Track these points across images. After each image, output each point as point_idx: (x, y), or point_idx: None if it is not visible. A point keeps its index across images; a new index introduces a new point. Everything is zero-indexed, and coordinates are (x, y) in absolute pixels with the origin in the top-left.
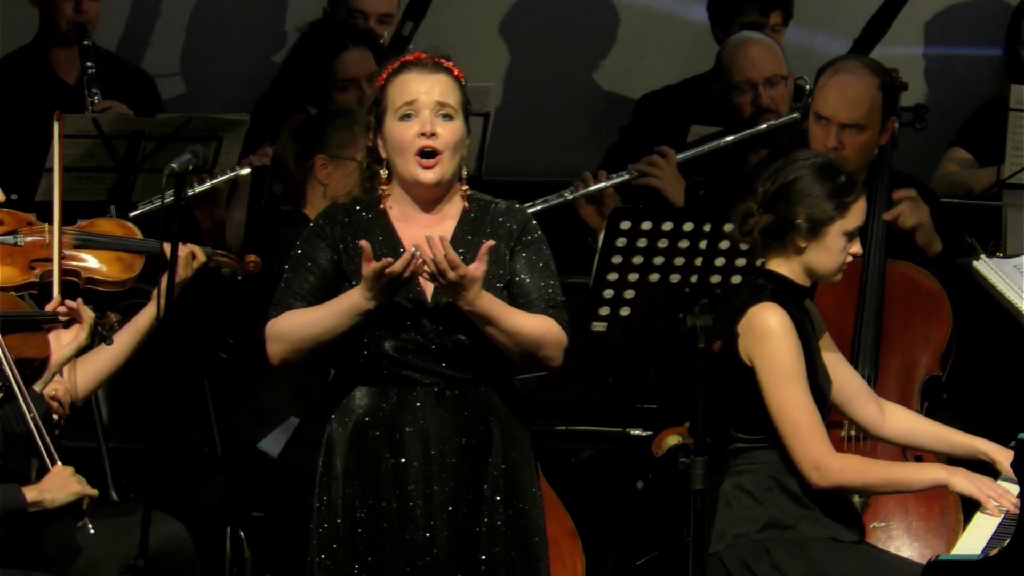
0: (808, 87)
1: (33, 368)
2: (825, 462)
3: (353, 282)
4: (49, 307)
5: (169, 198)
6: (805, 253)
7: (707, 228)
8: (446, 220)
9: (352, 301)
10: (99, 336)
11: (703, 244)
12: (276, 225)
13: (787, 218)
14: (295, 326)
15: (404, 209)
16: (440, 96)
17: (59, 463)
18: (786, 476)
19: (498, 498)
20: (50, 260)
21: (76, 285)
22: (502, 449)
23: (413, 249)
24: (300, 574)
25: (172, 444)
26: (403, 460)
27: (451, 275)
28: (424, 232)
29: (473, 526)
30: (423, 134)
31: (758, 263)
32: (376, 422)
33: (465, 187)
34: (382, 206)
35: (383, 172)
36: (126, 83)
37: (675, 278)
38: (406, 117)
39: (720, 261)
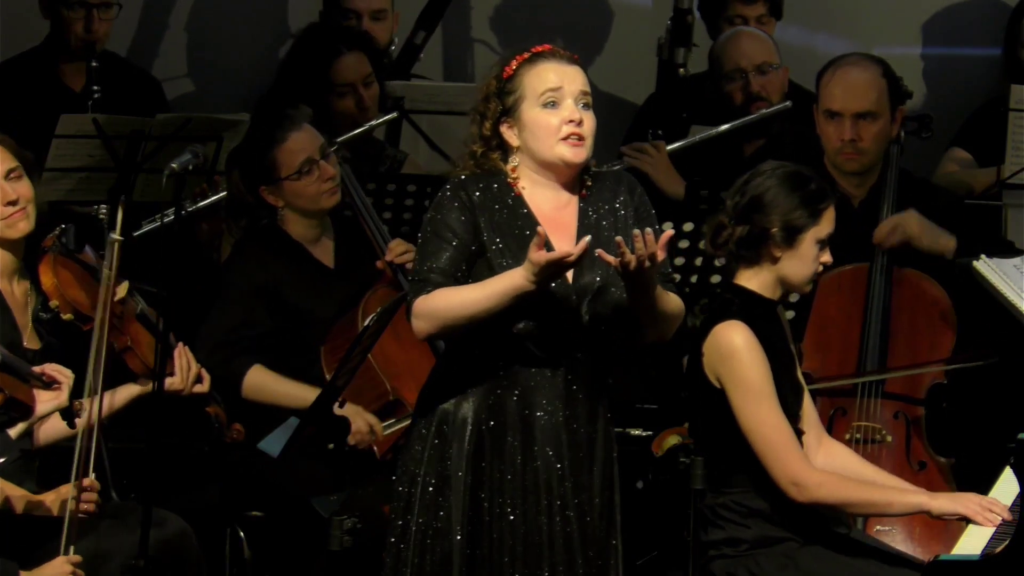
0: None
1: (21, 411)
2: (803, 478)
3: (488, 255)
4: (37, 368)
5: (169, 217)
6: (780, 263)
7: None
8: (572, 206)
9: (514, 283)
10: (66, 418)
11: (703, 244)
12: (249, 240)
13: (763, 227)
14: (451, 306)
15: (534, 190)
16: (582, 85)
17: (62, 556)
18: (760, 499)
19: (603, 478)
20: (112, 313)
21: (112, 346)
22: (608, 436)
23: (588, 238)
24: (301, 573)
25: (171, 444)
26: (528, 442)
27: (647, 264)
28: (556, 215)
29: (584, 515)
30: (571, 120)
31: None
32: (502, 402)
33: (587, 178)
34: (515, 191)
35: (514, 158)
36: (132, 86)
37: (675, 278)
38: (550, 104)
39: (720, 261)
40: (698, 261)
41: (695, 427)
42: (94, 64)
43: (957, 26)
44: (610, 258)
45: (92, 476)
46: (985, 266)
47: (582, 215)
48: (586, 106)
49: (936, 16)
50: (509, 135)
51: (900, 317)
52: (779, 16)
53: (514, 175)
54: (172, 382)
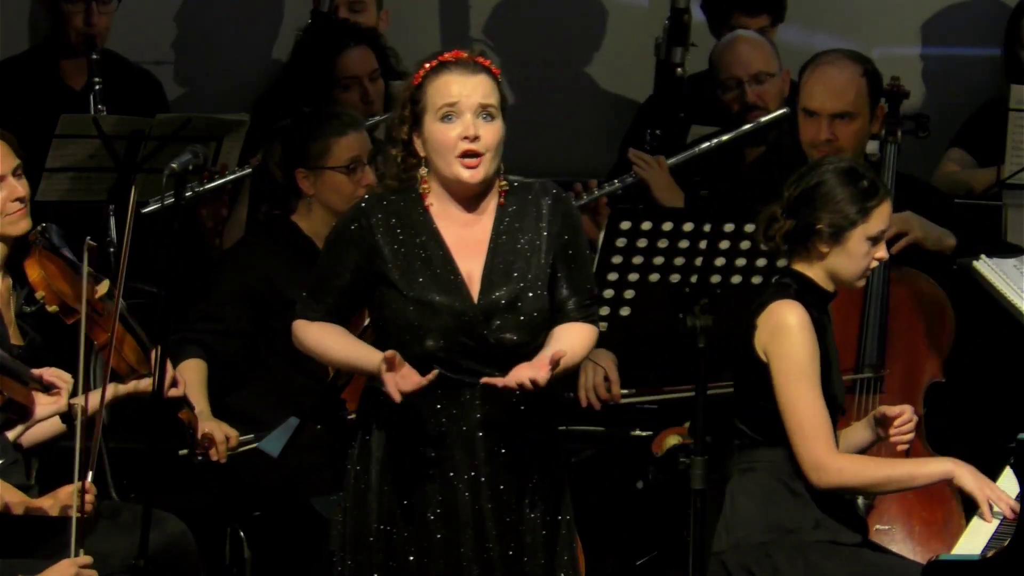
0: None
1: (19, 413)
2: (825, 462)
3: (390, 278)
4: (36, 371)
5: (169, 199)
6: (828, 258)
7: (707, 228)
8: (485, 217)
9: (371, 367)
10: (65, 421)
11: (703, 244)
12: (256, 232)
13: (809, 223)
14: (319, 348)
15: (444, 206)
16: (482, 97)
17: (67, 560)
18: (790, 477)
19: (536, 501)
20: (94, 309)
21: (91, 342)
22: (540, 453)
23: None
24: (301, 574)
25: (170, 446)
26: (447, 463)
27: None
28: (465, 231)
29: (517, 537)
30: (466, 137)
31: (780, 263)
32: (419, 425)
33: (503, 183)
34: (424, 205)
35: (422, 170)
36: (132, 86)
37: (675, 278)
38: (447, 118)
39: (720, 261)
40: (698, 261)
41: (694, 426)
42: (95, 57)
43: (957, 26)
44: (495, 380)
45: (88, 478)
46: (985, 266)
47: (496, 231)
48: (488, 117)
49: (936, 16)
50: (418, 144)
51: (899, 316)
52: (781, 20)
53: (424, 187)
54: (147, 383)
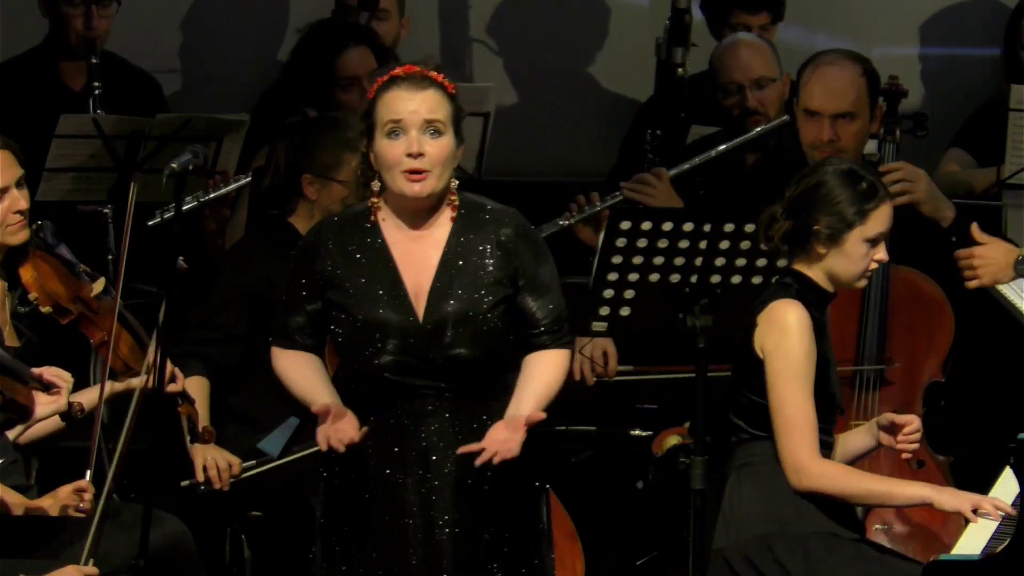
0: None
1: (20, 413)
2: (806, 466)
3: (339, 301)
4: (36, 370)
5: (170, 213)
6: (826, 259)
7: (707, 228)
8: (436, 233)
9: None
10: (65, 420)
11: (703, 244)
12: (255, 232)
13: (808, 224)
14: (285, 377)
15: (395, 222)
16: (428, 113)
17: (72, 566)
18: (781, 475)
19: (496, 511)
20: (90, 308)
21: (88, 340)
22: (505, 467)
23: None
24: (301, 573)
25: (168, 446)
26: (402, 476)
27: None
28: (414, 246)
29: (475, 547)
30: (410, 154)
31: (780, 263)
32: (378, 435)
33: (453, 197)
34: (373, 218)
35: (375, 185)
36: (132, 87)
37: (675, 278)
38: (393, 134)
39: (720, 261)
40: (698, 261)
41: (694, 426)
42: (94, 61)
43: (957, 26)
44: (471, 448)
45: (88, 477)
46: None
47: (448, 246)
48: (435, 133)
49: (936, 16)
50: (372, 159)
51: (898, 316)
52: (781, 19)
53: (375, 201)
54: (142, 380)
